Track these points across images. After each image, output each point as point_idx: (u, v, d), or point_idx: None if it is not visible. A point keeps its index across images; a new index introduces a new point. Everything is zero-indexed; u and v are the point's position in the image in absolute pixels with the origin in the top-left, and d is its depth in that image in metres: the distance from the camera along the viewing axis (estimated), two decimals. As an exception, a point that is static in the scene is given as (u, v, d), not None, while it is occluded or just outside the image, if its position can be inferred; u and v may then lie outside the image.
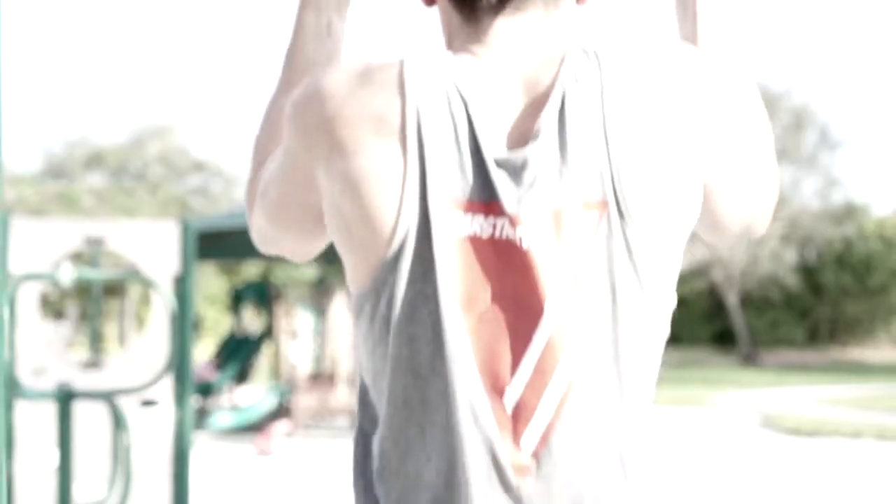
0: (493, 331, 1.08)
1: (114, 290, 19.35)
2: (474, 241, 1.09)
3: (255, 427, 12.07)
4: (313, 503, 7.52)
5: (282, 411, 12.61)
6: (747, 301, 30.75)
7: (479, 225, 1.09)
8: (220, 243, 13.84)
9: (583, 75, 1.10)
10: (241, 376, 14.89)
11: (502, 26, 1.15)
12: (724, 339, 31.17)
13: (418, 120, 1.09)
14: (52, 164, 32.06)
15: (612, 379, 1.09)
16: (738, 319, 29.67)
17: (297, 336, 13.24)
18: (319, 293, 14.74)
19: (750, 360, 28.71)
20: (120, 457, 3.46)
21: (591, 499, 1.09)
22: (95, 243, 5.67)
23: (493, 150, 1.10)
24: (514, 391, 1.08)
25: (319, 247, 1.29)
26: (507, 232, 1.09)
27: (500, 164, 1.09)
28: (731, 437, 11.57)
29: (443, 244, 1.09)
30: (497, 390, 1.08)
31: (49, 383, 4.84)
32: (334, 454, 10.16)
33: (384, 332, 1.10)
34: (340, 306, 13.89)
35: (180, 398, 5.62)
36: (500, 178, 1.09)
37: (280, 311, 14.17)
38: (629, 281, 1.08)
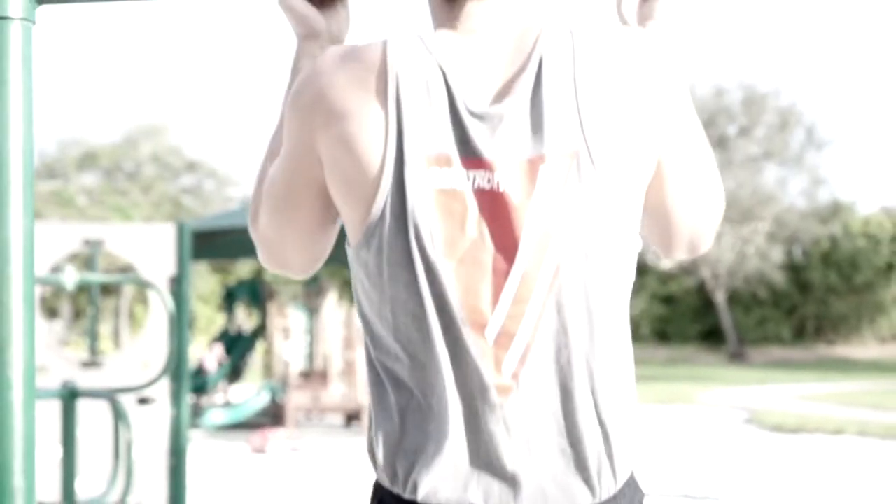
0: (472, 272, 1.23)
1: (108, 289, 19.45)
2: (451, 191, 1.23)
3: (248, 424, 12.20)
4: (305, 498, 7.68)
5: (275, 409, 12.74)
6: (735, 299, 30.96)
7: (458, 175, 1.22)
8: (212, 243, 13.97)
9: (557, 46, 1.24)
10: (235, 374, 15.03)
11: (477, 7, 1.29)
12: (712, 336, 31.37)
13: (398, 86, 1.23)
14: (46, 163, 32.10)
15: (587, 308, 1.25)
16: (725, 317, 29.89)
17: (289, 334, 13.37)
18: (312, 292, 14.85)
19: (737, 358, 28.92)
20: (122, 452, 3.63)
21: (565, 419, 1.24)
22: (94, 245, 5.84)
23: (471, 106, 1.23)
24: (495, 323, 1.23)
25: (322, 249, 1.41)
26: (485, 179, 1.22)
27: (477, 117, 1.22)
28: (715, 433, 11.75)
29: (420, 195, 1.22)
30: (478, 325, 1.23)
31: (49, 382, 5.01)
32: (326, 451, 10.32)
33: (379, 275, 1.26)
34: (332, 305, 14.03)
35: (176, 396, 5.79)
36: (477, 131, 1.22)
37: (273, 309, 14.28)
38: (596, 219, 1.23)
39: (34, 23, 1.39)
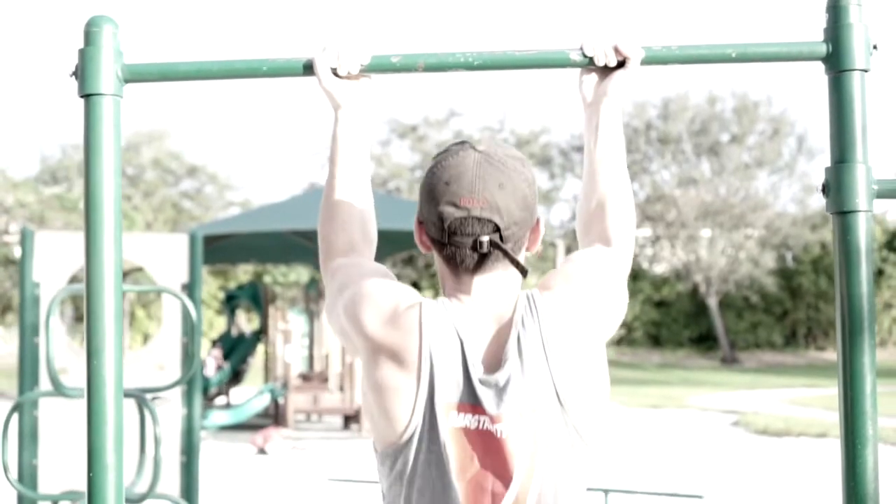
0: (477, 492, 1.64)
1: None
2: (466, 430, 1.63)
3: (249, 425, 12.50)
4: (306, 495, 8.01)
5: (275, 410, 13.04)
6: (727, 304, 31.29)
7: (469, 420, 1.63)
8: (213, 248, 14.27)
9: (527, 321, 1.65)
10: (236, 376, 15.32)
11: (477, 281, 1.70)
12: (704, 341, 31.71)
13: (431, 355, 1.64)
14: (49, 168, 32.41)
15: None
16: (717, 322, 30.23)
17: (289, 338, 13.64)
18: (311, 296, 15.10)
19: (729, 362, 29.26)
20: (150, 447, 3.98)
21: None
22: (111, 254, 6.19)
23: (479, 373, 1.64)
24: None
25: None
26: (489, 426, 1.62)
27: (483, 382, 1.63)
28: (703, 437, 12.08)
29: (444, 432, 1.62)
30: None
31: (69, 382, 5.35)
32: (324, 451, 10.65)
33: (399, 479, 1.67)
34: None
35: (189, 397, 6.14)
36: (484, 392, 1.63)
37: (273, 312, 14.55)
38: (571, 444, 1.65)
39: (122, 97, 1.75)
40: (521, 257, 1.74)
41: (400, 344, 1.65)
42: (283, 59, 1.78)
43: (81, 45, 1.74)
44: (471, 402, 1.63)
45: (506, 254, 1.66)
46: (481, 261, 1.68)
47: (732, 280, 30.17)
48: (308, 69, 1.77)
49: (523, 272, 1.68)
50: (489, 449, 1.62)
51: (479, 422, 1.62)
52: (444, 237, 1.68)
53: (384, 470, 1.70)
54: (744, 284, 30.41)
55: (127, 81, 1.75)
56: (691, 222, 30.07)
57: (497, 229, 1.66)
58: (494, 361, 1.65)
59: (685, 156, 31.29)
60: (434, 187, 1.69)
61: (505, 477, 1.62)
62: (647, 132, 30.93)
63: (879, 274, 29.94)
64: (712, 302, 30.19)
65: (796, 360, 29.72)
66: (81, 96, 1.72)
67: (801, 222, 30.52)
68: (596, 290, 1.71)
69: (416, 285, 28.76)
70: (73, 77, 1.73)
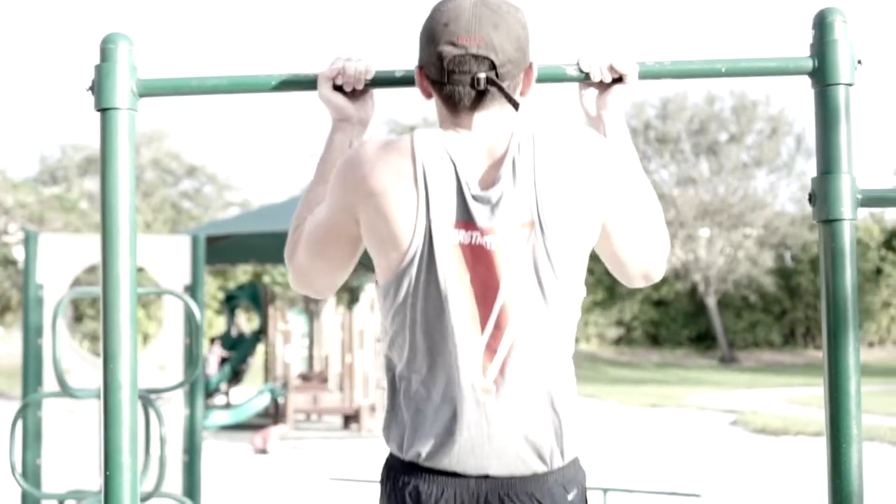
0: (471, 300, 1.74)
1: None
2: (461, 245, 1.73)
3: (249, 425, 12.55)
4: (304, 495, 8.08)
5: (275, 410, 13.10)
6: (726, 303, 31.35)
7: (463, 235, 1.72)
8: (213, 248, 14.33)
9: (523, 146, 1.74)
10: (236, 377, 15.36)
11: (475, 118, 1.77)
12: (703, 340, 31.77)
13: (424, 172, 1.73)
14: (48, 168, 32.49)
15: (545, 335, 1.75)
16: (716, 321, 30.30)
17: (289, 338, 13.69)
18: (311, 297, 15.10)
19: (728, 361, 29.33)
20: (157, 447, 4.05)
21: (528, 414, 1.74)
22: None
23: (472, 190, 1.73)
24: (483, 341, 1.74)
25: (343, 278, 1.92)
26: (480, 240, 1.72)
27: (476, 198, 1.73)
28: (702, 435, 12.15)
29: (442, 247, 1.72)
30: (473, 340, 1.74)
31: (72, 383, 5.41)
32: (324, 451, 10.71)
33: (403, 306, 1.76)
34: (331, 310, 14.37)
35: (191, 397, 6.21)
36: (476, 207, 1.72)
37: (273, 313, 14.60)
38: (548, 272, 1.74)
39: (136, 111, 1.82)
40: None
41: (397, 166, 1.74)
42: (292, 74, 1.86)
43: (97, 61, 1.81)
44: (465, 218, 1.73)
45: (501, 89, 1.74)
46: (479, 98, 1.76)
47: (731, 279, 30.25)
48: (315, 84, 1.85)
49: (516, 106, 1.76)
50: (479, 262, 1.72)
51: (471, 237, 1.73)
52: (443, 76, 1.75)
53: (387, 304, 1.78)
54: (742, 284, 30.49)
55: (141, 96, 1.83)
56: (690, 222, 30.14)
57: (493, 67, 1.74)
58: (488, 181, 1.75)
59: (684, 155, 31.37)
60: (433, 29, 1.76)
61: (493, 287, 1.72)
62: (645, 132, 31.00)
63: (878, 273, 30.01)
64: (711, 301, 30.27)
65: (794, 360, 29.80)
66: (98, 110, 1.79)
67: (799, 221, 30.59)
68: (601, 155, 1.77)
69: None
70: (90, 92, 1.80)
